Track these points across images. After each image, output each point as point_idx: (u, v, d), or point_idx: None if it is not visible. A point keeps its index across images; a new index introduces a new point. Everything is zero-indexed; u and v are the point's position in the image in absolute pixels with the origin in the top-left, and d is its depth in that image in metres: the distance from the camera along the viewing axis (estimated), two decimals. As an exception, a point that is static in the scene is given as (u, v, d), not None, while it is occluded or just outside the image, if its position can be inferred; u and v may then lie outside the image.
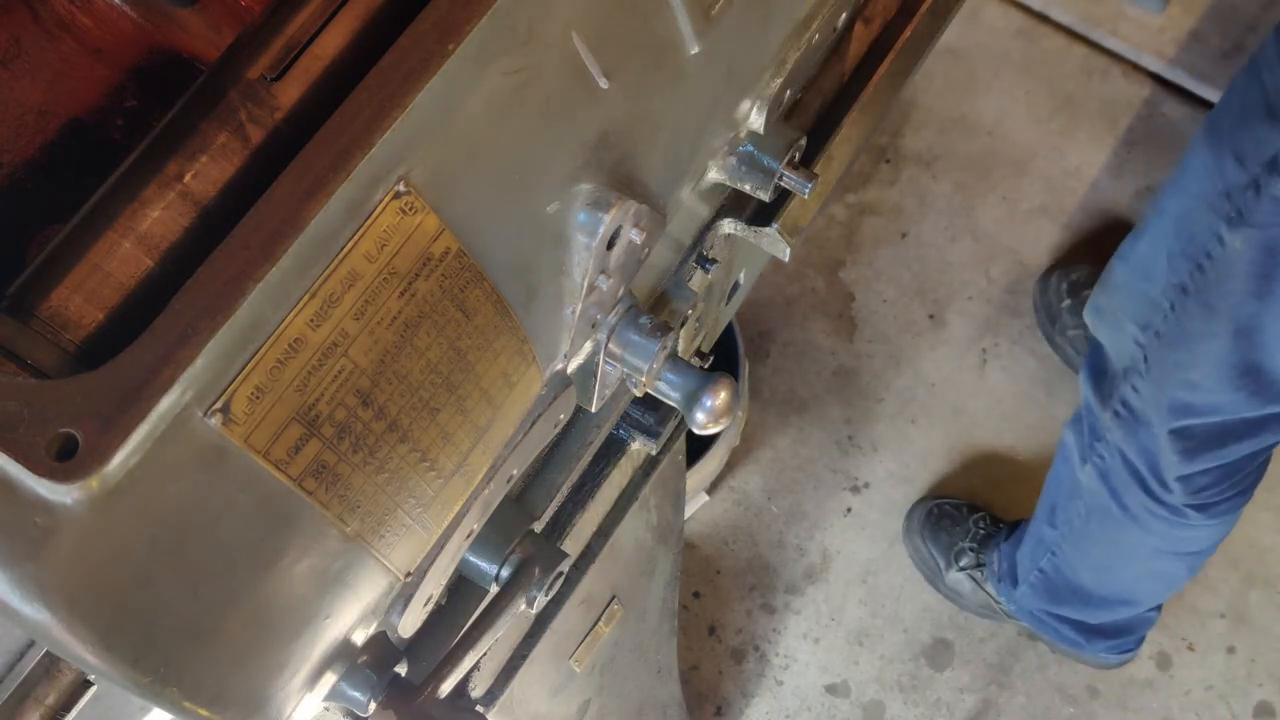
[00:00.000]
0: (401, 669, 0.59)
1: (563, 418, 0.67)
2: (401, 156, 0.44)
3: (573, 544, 0.85)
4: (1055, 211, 2.05)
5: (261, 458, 0.44)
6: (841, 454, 1.93)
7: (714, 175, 0.71)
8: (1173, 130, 2.09)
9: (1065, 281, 1.92)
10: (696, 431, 0.66)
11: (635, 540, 0.98)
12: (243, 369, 0.42)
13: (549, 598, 0.69)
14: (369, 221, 0.44)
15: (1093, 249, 2.01)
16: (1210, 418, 1.30)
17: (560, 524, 0.82)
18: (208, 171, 0.44)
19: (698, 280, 0.77)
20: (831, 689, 1.80)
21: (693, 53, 0.58)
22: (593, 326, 0.62)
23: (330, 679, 0.55)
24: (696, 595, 1.85)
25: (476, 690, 0.85)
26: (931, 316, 2.00)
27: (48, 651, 0.50)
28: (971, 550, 1.77)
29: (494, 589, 0.68)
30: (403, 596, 0.60)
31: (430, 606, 0.65)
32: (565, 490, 0.79)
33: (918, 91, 2.13)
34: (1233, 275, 1.19)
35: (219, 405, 0.41)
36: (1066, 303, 1.91)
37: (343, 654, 0.55)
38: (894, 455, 1.92)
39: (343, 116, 0.43)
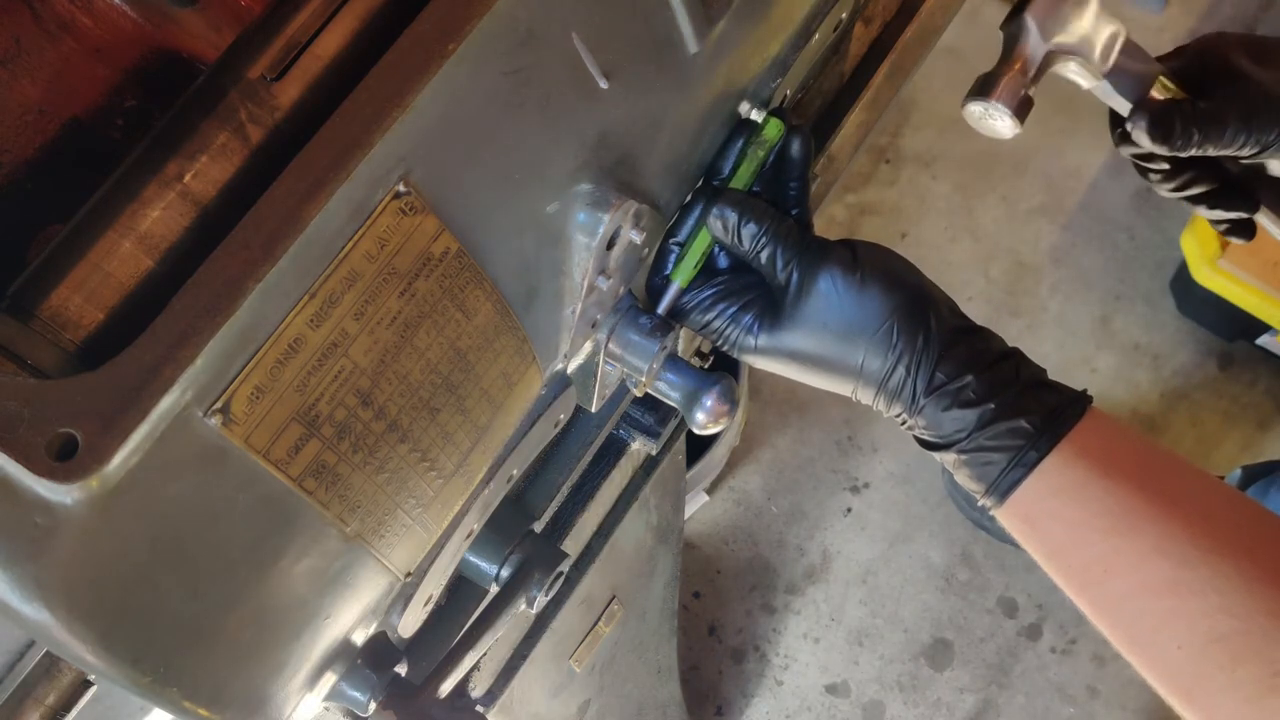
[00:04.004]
0: (401, 669, 0.59)
1: (563, 418, 0.67)
2: (401, 156, 0.44)
3: (573, 544, 0.85)
4: (1055, 211, 2.05)
5: (261, 458, 0.44)
6: (841, 454, 1.93)
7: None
8: (1172, 130, 2.09)
9: None
10: (696, 431, 0.66)
11: (635, 540, 0.98)
12: (243, 369, 0.42)
13: (549, 598, 0.69)
14: (369, 221, 0.44)
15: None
16: None
17: (560, 524, 0.82)
18: (208, 171, 0.44)
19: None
20: (831, 689, 1.80)
21: (692, 53, 0.58)
22: (593, 326, 0.62)
23: (330, 679, 0.55)
24: (696, 595, 1.85)
25: (476, 690, 0.85)
26: (931, 316, 2.00)
27: (48, 651, 0.50)
28: None
29: (494, 589, 0.68)
30: (403, 596, 0.60)
31: (430, 606, 0.65)
32: (565, 490, 0.78)
33: (918, 91, 2.13)
34: None
35: (219, 405, 0.41)
36: None
37: (343, 654, 0.55)
38: (894, 455, 1.92)
39: (343, 116, 0.43)
